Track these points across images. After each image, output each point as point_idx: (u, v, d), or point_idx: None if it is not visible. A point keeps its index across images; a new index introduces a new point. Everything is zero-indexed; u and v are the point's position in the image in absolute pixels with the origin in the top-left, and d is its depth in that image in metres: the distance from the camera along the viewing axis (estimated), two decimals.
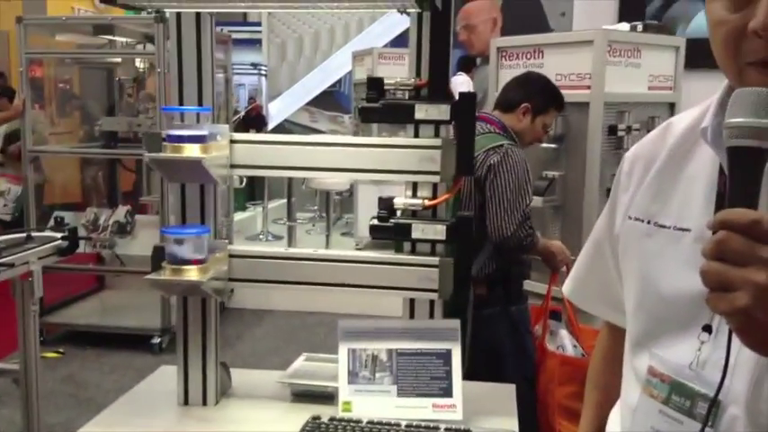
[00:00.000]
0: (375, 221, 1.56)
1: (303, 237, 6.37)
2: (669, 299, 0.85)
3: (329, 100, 8.63)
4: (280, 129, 8.53)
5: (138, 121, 4.74)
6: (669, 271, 0.85)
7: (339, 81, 8.55)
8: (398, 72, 5.71)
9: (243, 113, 7.43)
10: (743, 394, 0.77)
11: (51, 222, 4.14)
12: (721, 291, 0.66)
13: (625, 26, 3.15)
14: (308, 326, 4.99)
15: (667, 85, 3.02)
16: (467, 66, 4.84)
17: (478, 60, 4.33)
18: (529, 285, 2.73)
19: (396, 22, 7.80)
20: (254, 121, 7.32)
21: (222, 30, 5.94)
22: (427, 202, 1.55)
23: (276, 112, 8.75)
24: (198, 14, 1.55)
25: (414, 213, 1.57)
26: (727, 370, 0.73)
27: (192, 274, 1.49)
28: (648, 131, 3.37)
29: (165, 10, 1.52)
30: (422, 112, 1.49)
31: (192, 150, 1.46)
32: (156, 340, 4.51)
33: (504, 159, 2.48)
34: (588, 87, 2.91)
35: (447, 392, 1.52)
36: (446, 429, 1.45)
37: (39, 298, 2.49)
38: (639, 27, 3.07)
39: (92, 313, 4.93)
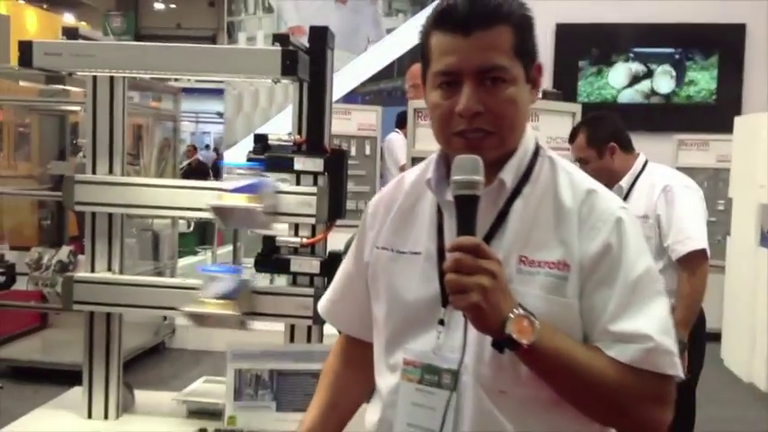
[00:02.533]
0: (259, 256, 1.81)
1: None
2: (412, 304, 1.12)
3: None
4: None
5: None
6: (410, 284, 1.13)
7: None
8: (345, 125, 6.03)
9: (185, 163, 7.62)
10: (471, 365, 1.05)
11: None
12: (459, 293, 0.96)
13: None
14: None
15: (564, 146, 3.33)
16: (403, 122, 5.14)
17: None
18: None
19: (350, 77, 8.14)
20: (194, 170, 7.51)
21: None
22: (305, 240, 1.80)
23: (232, 159, 8.99)
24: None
25: (295, 250, 1.82)
26: (465, 350, 1.03)
27: None
28: None
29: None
30: (300, 164, 1.76)
31: None
32: None
33: None
34: None
35: None
36: None
37: None
38: (539, 95, 3.39)
39: (33, 350, 5.00)
